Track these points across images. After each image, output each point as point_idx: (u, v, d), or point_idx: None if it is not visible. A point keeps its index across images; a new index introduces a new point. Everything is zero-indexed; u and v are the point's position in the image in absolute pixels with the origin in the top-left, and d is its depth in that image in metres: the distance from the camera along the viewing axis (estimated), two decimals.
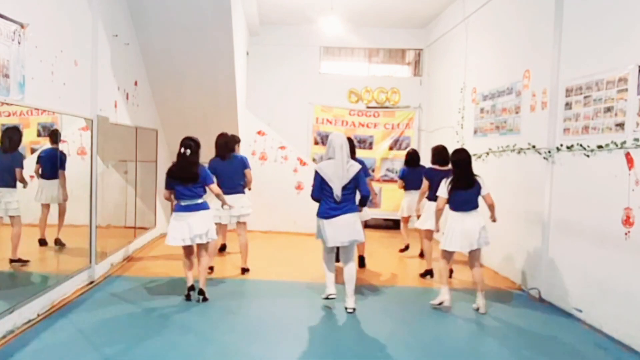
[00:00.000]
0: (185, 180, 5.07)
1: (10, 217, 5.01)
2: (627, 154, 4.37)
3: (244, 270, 6.43)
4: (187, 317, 4.76)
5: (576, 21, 5.25)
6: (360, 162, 5.46)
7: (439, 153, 6.36)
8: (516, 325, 4.91)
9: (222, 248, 7.48)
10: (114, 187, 6.56)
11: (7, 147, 4.83)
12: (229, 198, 5.76)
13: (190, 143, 5.11)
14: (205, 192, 5.25)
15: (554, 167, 5.52)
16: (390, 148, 10.51)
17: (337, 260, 5.54)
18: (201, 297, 5.16)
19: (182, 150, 5.08)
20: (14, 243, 4.98)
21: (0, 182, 4.85)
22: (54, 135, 5.34)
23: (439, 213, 5.34)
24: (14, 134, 4.85)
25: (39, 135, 5.13)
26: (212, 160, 6.21)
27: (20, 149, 5.00)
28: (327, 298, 5.18)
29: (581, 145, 5.02)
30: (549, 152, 5.55)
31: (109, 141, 6.11)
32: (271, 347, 4.16)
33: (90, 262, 5.69)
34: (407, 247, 8.02)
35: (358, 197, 5.11)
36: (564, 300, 5.26)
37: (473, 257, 5.25)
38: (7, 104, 4.02)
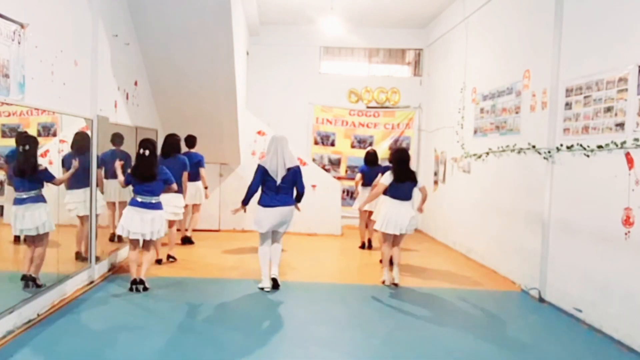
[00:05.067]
0: (144, 179, 5.39)
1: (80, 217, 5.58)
2: (627, 154, 4.37)
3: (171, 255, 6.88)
4: (188, 316, 4.75)
5: (576, 21, 5.25)
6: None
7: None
8: (516, 325, 4.91)
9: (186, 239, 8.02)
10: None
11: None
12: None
13: (149, 145, 5.43)
14: (161, 192, 5.53)
15: (554, 167, 5.52)
16: (390, 148, 10.50)
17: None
18: (141, 286, 5.41)
19: (142, 151, 5.38)
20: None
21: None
22: (118, 138, 6.27)
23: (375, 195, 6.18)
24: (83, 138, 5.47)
25: (39, 135, 5.11)
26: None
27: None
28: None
29: (581, 145, 5.02)
30: (549, 152, 5.55)
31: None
32: (271, 345, 4.17)
33: (90, 262, 5.68)
34: (366, 243, 8.20)
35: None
36: (564, 300, 5.26)
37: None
38: (7, 104, 4.02)
